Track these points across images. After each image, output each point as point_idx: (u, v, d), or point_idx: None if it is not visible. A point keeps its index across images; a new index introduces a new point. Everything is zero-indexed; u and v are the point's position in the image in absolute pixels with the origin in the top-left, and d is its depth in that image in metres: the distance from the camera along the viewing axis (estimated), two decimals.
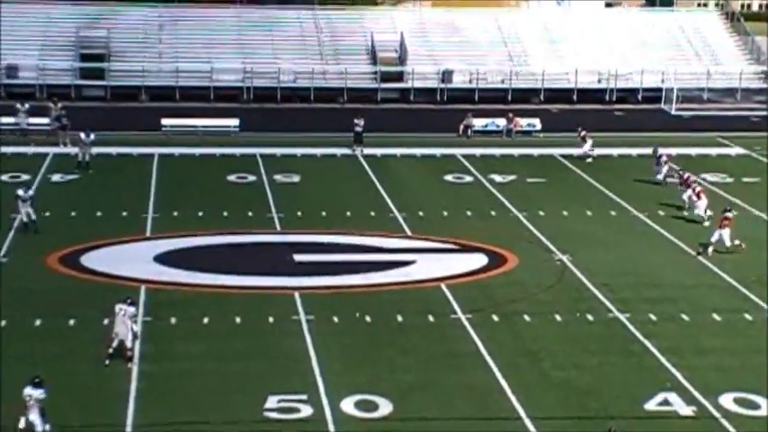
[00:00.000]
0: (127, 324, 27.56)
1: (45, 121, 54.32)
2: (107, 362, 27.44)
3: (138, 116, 58.16)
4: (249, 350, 28.93)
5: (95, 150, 48.43)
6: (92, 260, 35.81)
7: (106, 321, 28.86)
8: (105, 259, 35.94)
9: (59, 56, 64.04)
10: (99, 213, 41.07)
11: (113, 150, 51.20)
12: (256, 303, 32.30)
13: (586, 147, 52.39)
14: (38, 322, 30.14)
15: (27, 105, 55.12)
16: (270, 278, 34.67)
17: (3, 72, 61.01)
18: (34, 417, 23.51)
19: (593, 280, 35.22)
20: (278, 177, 47.47)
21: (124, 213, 41.13)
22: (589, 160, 51.83)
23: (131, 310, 27.85)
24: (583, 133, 52.90)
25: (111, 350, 27.53)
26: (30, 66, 62.15)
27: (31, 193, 38.59)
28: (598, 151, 52.53)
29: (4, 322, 30.01)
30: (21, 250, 36.31)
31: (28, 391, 23.65)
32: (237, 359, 28.34)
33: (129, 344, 27.60)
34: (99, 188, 44.92)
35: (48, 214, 40.59)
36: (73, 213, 40.94)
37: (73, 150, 48.68)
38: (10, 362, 27.43)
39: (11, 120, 54.69)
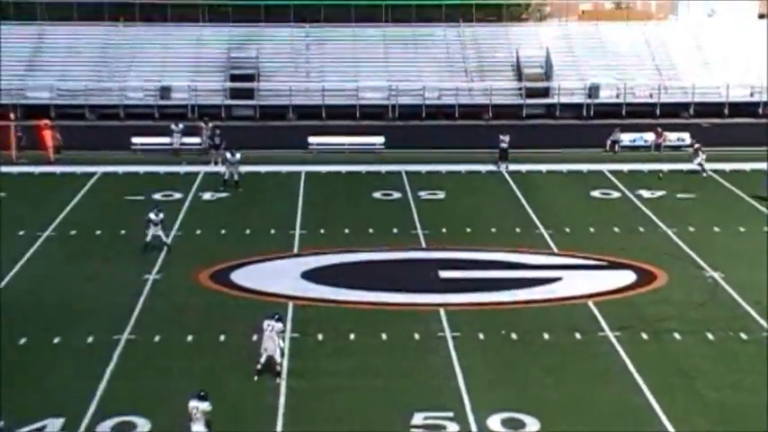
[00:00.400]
0: (275, 340, 27.92)
1: (197, 140, 55.61)
2: (256, 377, 27.84)
3: (286, 135, 58.97)
4: (395, 366, 29.01)
5: (245, 168, 49.29)
6: (241, 277, 36.41)
7: (255, 337, 29.29)
8: (254, 276, 36.50)
9: (211, 77, 65.37)
10: (248, 231, 41.75)
11: (262, 169, 52.06)
12: (402, 320, 32.38)
13: (698, 160, 51.45)
14: (190, 338, 30.76)
15: (181, 125, 56.52)
16: (415, 295, 34.72)
17: (157, 93, 62.51)
18: (200, 428, 24.00)
19: (746, 297, 34.36)
20: (423, 194, 47.60)
21: (272, 231, 41.73)
22: (704, 175, 50.77)
23: (279, 325, 28.22)
24: (696, 146, 52.00)
25: (259, 365, 27.93)
26: (182, 87, 63.56)
27: (161, 216, 39.32)
28: (751, 166, 51.30)
29: (158, 337, 30.72)
30: (173, 267, 37.13)
31: (194, 403, 24.15)
32: (383, 375, 28.44)
33: (277, 359, 27.96)
34: (248, 206, 45.68)
35: (199, 232, 41.49)
36: (223, 231, 41.71)
37: (221, 169, 49.64)
38: (165, 376, 28.08)
39: (165, 140, 56.20)
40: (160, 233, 38.83)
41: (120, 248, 39.22)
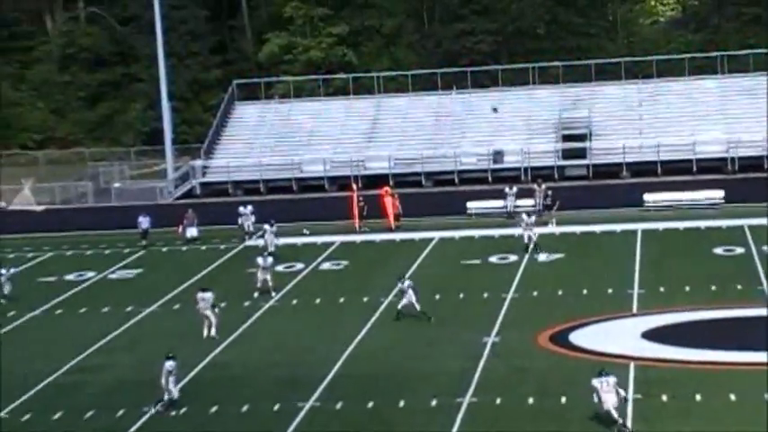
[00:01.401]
0: (613, 392, 27.65)
1: (530, 202, 55.90)
2: None
3: (620, 193, 58.30)
4: (745, 430, 27.82)
5: (579, 229, 48.95)
6: (580, 337, 36.10)
7: (596, 399, 28.90)
8: (593, 336, 36.10)
9: (542, 138, 65.68)
10: (585, 291, 41.42)
11: (597, 228, 51.63)
12: (752, 380, 31.05)
13: None
14: (531, 400, 30.70)
15: (515, 188, 56.92)
16: (765, 354, 33.22)
17: (490, 157, 63.37)
18: None
19: None
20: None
21: (609, 290, 41.21)
22: None
23: (613, 379, 28.06)
24: None
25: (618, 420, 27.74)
26: (514, 150, 64.20)
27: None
28: None
29: (499, 400, 30.82)
30: (511, 329, 37.29)
31: None
32: None
33: (614, 414, 27.57)
34: (584, 266, 45.35)
35: (535, 294, 41.54)
36: (560, 292, 41.56)
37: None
38: None
39: (499, 203, 56.88)
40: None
41: (459, 312, 39.78)
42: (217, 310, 38.36)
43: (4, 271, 44.87)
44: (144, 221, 53.92)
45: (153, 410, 30.75)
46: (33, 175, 73.29)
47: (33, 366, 35.96)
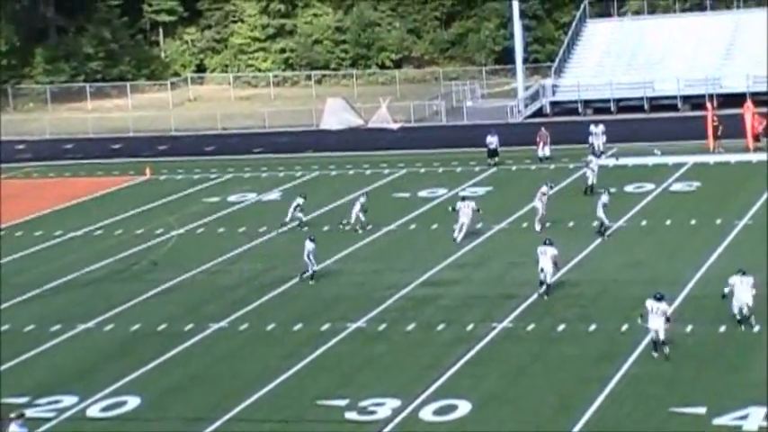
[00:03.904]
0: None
1: None
2: None
3: None
4: None
5: None
6: None
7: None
8: None
9: None
10: None
11: None
12: None
13: None
14: None
15: None
16: None
17: None
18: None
19: None
20: None
21: None
22: None
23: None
24: None
25: None
26: None
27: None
28: None
29: None
30: None
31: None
32: None
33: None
34: None
35: None
36: None
37: None
38: None
39: None
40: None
41: None
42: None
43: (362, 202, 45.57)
44: (492, 141, 54.56)
45: (298, 279, 37.01)
46: (390, 94, 75.77)
47: (387, 279, 37.44)
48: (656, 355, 28.54)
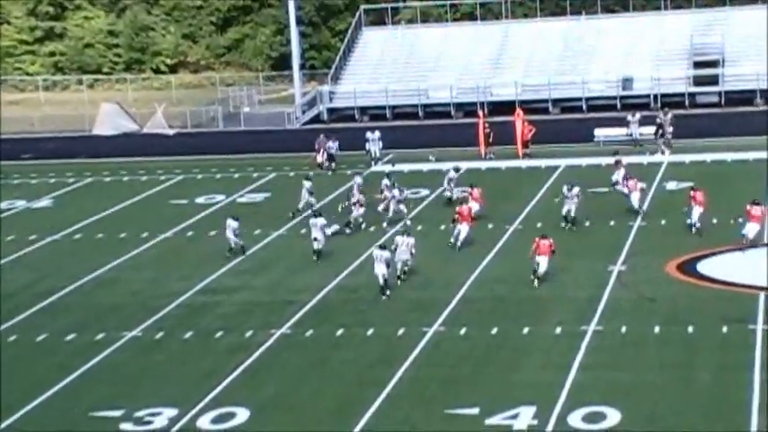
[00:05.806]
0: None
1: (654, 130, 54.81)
2: None
3: (752, 121, 56.98)
4: None
5: (708, 157, 48.01)
6: (708, 267, 35.64)
7: (725, 329, 28.53)
8: (721, 267, 35.59)
9: (673, 65, 64.44)
10: (714, 220, 40.69)
11: (728, 156, 50.63)
12: None
13: None
14: (657, 329, 30.49)
15: (638, 116, 55.90)
16: None
17: (619, 84, 62.48)
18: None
19: None
20: None
21: (740, 220, 40.42)
22: None
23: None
24: None
25: None
26: (644, 76, 63.08)
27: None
28: None
29: (624, 328, 30.68)
30: (638, 258, 36.97)
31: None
32: None
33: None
34: (713, 195, 44.45)
35: (663, 222, 41.08)
36: (688, 221, 40.94)
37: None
38: (633, 367, 28.04)
39: (623, 131, 55.83)
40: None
41: (586, 240, 39.56)
42: (329, 231, 39.54)
43: (397, 193, 43.67)
44: (332, 146, 54.13)
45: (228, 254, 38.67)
46: (166, 99, 74.69)
47: (164, 287, 36.89)
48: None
